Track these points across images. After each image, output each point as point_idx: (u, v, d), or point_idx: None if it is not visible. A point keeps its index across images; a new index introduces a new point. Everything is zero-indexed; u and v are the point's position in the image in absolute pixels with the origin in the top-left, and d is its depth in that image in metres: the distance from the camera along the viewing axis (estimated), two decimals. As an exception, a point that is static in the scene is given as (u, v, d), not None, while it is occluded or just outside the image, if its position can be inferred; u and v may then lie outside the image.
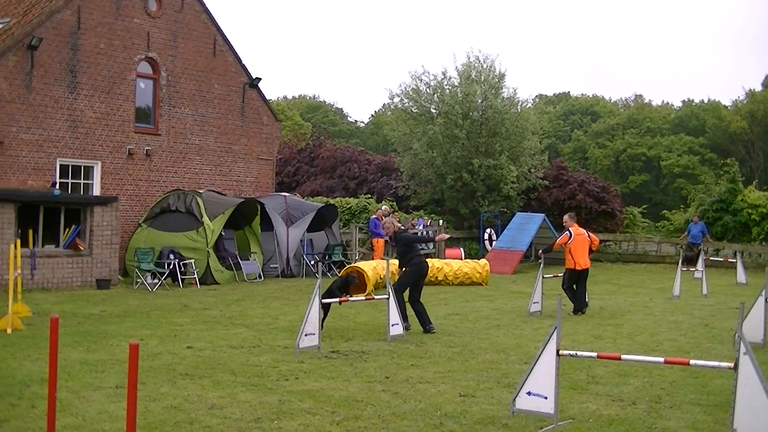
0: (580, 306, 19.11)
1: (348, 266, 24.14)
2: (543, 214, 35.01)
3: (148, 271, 24.00)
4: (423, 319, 16.03)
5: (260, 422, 8.92)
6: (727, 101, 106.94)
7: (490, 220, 38.35)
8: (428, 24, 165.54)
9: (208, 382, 10.98)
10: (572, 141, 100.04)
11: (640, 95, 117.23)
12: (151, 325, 16.49)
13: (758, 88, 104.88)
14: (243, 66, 30.74)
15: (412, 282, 16.35)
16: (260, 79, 31.05)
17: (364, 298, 17.73)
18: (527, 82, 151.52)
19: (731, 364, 8.14)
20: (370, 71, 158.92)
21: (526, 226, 33.83)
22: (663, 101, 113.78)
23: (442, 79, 40.25)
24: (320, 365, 12.23)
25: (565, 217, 20.21)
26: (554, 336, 8.82)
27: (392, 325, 14.81)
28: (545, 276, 19.48)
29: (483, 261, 27.81)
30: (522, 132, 39.63)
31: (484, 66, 40.06)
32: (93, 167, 26.07)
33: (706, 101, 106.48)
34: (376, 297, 16.94)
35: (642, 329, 16.72)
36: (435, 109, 40.09)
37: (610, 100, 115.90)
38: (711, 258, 34.51)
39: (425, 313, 16.09)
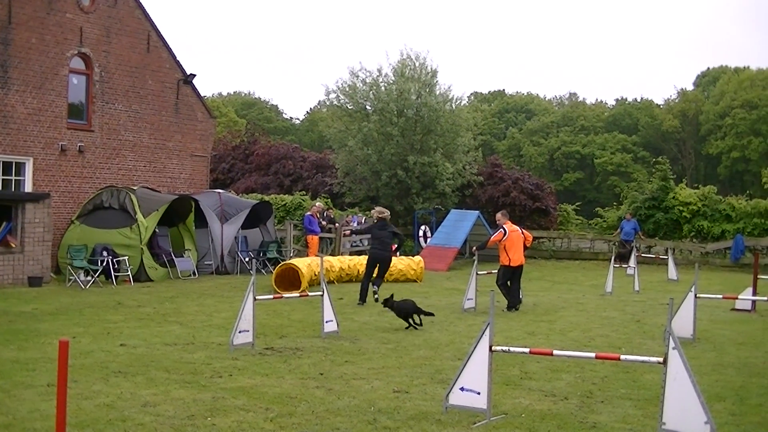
0: (513, 302, 19.26)
1: (282, 263, 24.06)
2: (477, 212, 35.18)
3: (81, 268, 23.70)
4: (361, 293, 19.96)
5: (194, 419, 8.88)
6: (659, 100, 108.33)
7: (424, 217, 38.48)
8: (364, 21, 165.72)
9: (142, 379, 10.89)
10: (507, 139, 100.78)
11: (575, 93, 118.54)
12: (84, 322, 16.29)
13: (690, 87, 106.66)
14: (177, 62, 30.44)
15: (369, 267, 20.44)
16: (195, 75, 30.81)
17: (298, 294, 17.71)
18: (463, 80, 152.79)
19: (660, 359, 8.26)
20: (306, 68, 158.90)
21: (460, 223, 33.97)
22: (597, 100, 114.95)
23: (378, 76, 40.38)
24: (254, 362, 12.19)
25: (498, 215, 20.34)
26: (487, 332, 8.89)
27: (327, 322, 14.79)
28: (479, 272, 19.61)
29: (417, 258, 27.89)
30: (456, 129, 39.90)
31: (417, 63, 40.24)
32: (24, 163, 25.60)
33: (639, 100, 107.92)
34: (310, 294, 16.92)
35: (575, 325, 16.91)
36: (370, 106, 40.18)
37: (545, 98, 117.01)
38: (643, 255, 35.04)
39: (365, 290, 19.97)
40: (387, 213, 21.41)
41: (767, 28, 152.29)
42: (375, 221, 21.76)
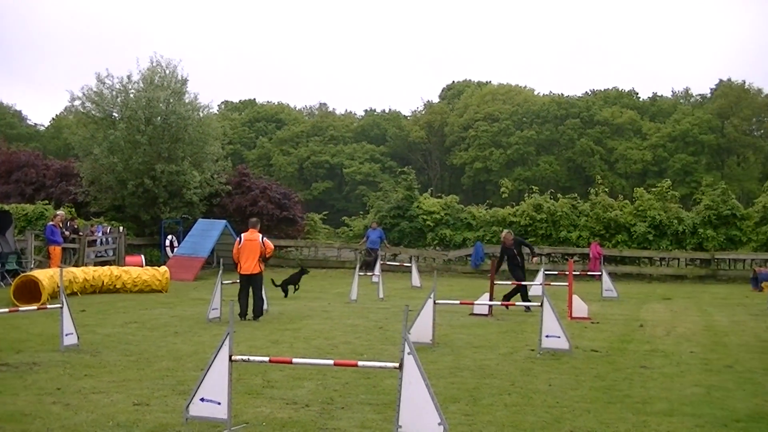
0: (242, 311, 19.21)
1: (23, 274, 23.15)
2: (225, 221, 34.96)
3: None
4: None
5: None
6: (407, 112, 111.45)
7: (171, 227, 37.93)
8: (112, 26, 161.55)
9: None
10: (257, 148, 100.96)
11: (325, 104, 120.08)
12: None
13: (436, 99, 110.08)
14: None
15: None
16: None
17: (36, 307, 17.09)
18: (213, 89, 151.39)
19: (396, 364, 8.48)
20: (52, 73, 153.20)
21: (208, 233, 33.69)
22: (346, 110, 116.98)
23: (126, 83, 39.44)
24: (-14, 379, 11.69)
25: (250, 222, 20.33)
26: (227, 342, 8.89)
27: (66, 335, 14.34)
28: (224, 282, 19.55)
29: (163, 268, 27.48)
30: (205, 138, 39.59)
31: (168, 71, 39.65)
32: None
33: (387, 111, 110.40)
34: (49, 306, 16.34)
35: (319, 333, 17.11)
36: (118, 113, 39.21)
37: (295, 107, 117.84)
38: (388, 263, 35.84)
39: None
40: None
41: (507, 44, 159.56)
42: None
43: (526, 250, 23.59)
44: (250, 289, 19.44)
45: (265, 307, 19.69)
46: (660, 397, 11.13)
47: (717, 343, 16.40)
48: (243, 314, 19.22)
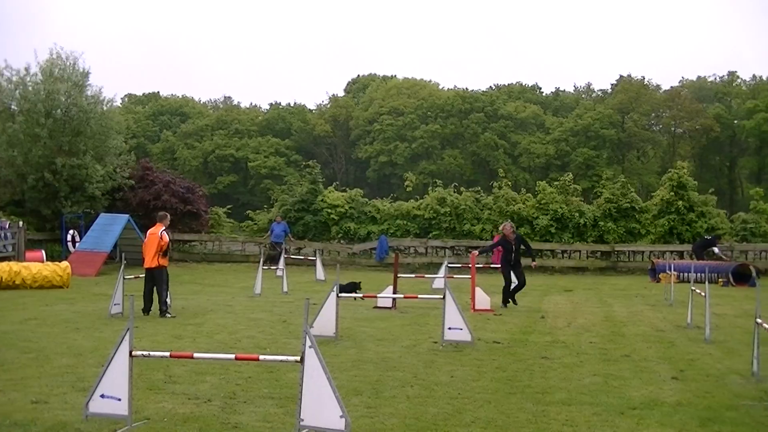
0: (146, 307, 19.03)
1: None
2: (128, 215, 34.48)
3: None
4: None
5: None
6: (312, 105, 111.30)
7: (73, 221, 37.30)
8: (9, 16, 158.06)
9: None
10: (161, 141, 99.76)
11: (230, 97, 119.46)
12: None
13: (341, 93, 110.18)
14: None
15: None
16: None
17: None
18: (117, 82, 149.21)
19: (298, 358, 8.49)
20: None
21: (110, 227, 33.22)
22: (251, 104, 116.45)
23: (25, 75, 38.59)
24: None
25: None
26: (127, 337, 8.80)
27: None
28: (126, 277, 19.32)
29: (64, 263, 27.00)
30: (107, 131, 38.98)
31: (69, 63, 38.93)
32: None
33: (292, 105, 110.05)
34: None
35: (222, 327, 17.04)
36: (16, 106, 38.36)
37: (200, 101, 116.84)
38: (292, 256, 35.84)
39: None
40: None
41: (412, 39, 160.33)
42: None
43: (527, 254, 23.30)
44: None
45: (168, 301, 19.40)
46: (559, 386, 11.34)
47: (615, 334, 16.78)
48: (146, 309, 19.03)
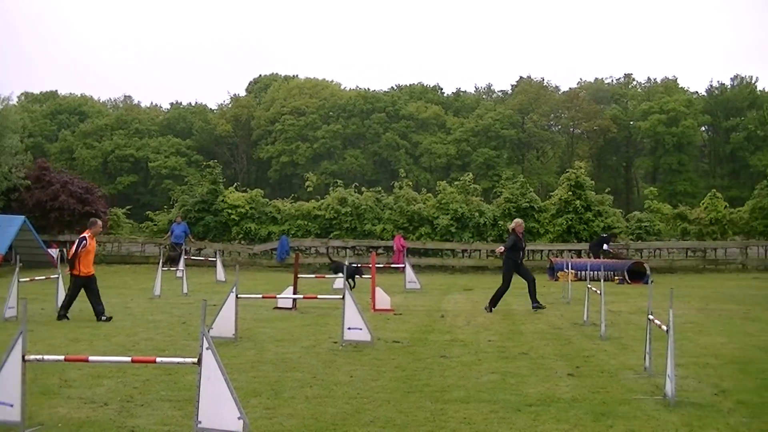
0: (99, 311, 18.65)
1: None
2: (23, 216, 33.80)
3: None
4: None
5: None
6: (213, 105, 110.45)
7: (-34, 223, 36.45)
8: None
9: None
10: (60, 141, 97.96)
11: (129, 96, 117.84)
12: None
13: (242, 93, 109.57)
14: None
15: None
16: None
17: None
18: (12, 80, 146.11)
19: (195, 359, 8.46)
20: None
21: (5, 229, 32.48)
22: (152, 103, 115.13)
23: None
24: None
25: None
26: (19, 341, 8.66)
27: None
28: (21, 279, 18.95)
29: (-43, 266, 26.43)
30: (2, 130, 38.24)
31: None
32: None
33: (193, 104, 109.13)
34: None
35: (120, 330, 16.82)
36: None
37: (99, 100, 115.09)
38: (193, 257, 35.56)
39: None
40: None
41: (314, 38, 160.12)
42: None
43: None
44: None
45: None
46: (458, 385, 11.46)
47: (514, 332, 17.03)
48: (101, 312, 18.73)
